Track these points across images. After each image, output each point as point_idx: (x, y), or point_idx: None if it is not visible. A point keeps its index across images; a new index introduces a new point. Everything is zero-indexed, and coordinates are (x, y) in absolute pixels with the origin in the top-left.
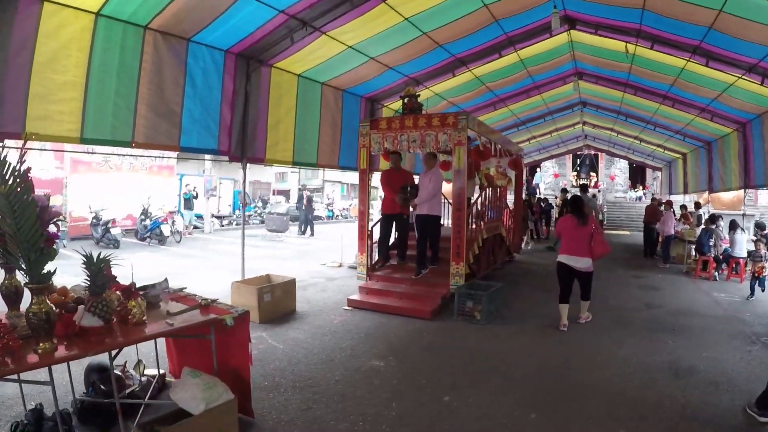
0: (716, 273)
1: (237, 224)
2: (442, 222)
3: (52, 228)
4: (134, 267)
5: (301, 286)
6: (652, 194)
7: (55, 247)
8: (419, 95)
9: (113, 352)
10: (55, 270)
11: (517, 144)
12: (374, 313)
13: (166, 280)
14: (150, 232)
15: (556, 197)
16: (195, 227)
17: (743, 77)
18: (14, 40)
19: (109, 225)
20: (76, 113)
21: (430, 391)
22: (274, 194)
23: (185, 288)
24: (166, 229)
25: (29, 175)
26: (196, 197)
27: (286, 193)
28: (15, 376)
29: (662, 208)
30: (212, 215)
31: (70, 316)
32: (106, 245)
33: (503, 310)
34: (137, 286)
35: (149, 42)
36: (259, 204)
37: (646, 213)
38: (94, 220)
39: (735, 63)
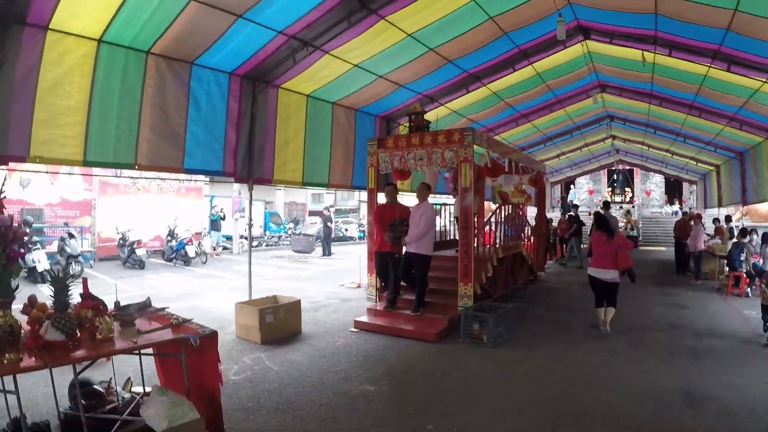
0: (749, 289)
1: (267, 245)
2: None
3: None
4: (153, 287)
5: (313, 307)
6: (689, 208)
7: (20, 263)
8: (425, 112)
9: (78, 367)
10: (18, 286)
11: (541, 161)
12: (380, 335)
13: (148, 299)
14: (176, 253)
15: (589, 214)
16: (224, 248)
17: None
18: (20, 68)
19: (135, 246)
20: (79, 137)
21: (415, 418)
22: (308, 215)
23: (167, 308)
24: (191, 250)
25: None
26: (223, 218)
27: (321, 214)
28: None
29: (692, 222)
30: (241, 236)
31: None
32: (132, 266)
33: (517, 331)
34: (122, 305)
35: (152, 66)
36: (291, 225)
37: (676, 228)
38: (121, 241)
39: (758, 66)
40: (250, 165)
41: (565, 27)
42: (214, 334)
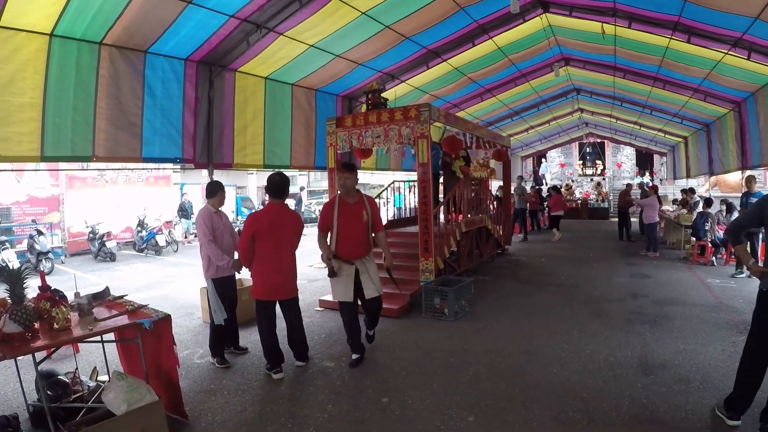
0: (714, 258)
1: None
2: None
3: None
4: (124, 278)
5: None
6: (660, 180)
7: None
8: (382, 90)
9: (38, 357)
10: None
11: (507, 136)
12: None
13: (106, 288)
14: (146, 243)
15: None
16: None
17: (729, 53)
18: None
19: (105, 239)
20: (35, 133)
21: (371, 392)
22: None
23: (125, 296)
24: (161, 240)
25: None
26: (189, 207)
27: (295, 196)
28: None
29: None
30: None
31: None
32: (103, 258)
33: (478, 304)
34: (81, 295)
35: (105, 57)
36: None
37: (619, 199)
38: (91, 235)
39: (718, 38)
40: (209, 150)
41: (519, 0)
42: (167, 318)
